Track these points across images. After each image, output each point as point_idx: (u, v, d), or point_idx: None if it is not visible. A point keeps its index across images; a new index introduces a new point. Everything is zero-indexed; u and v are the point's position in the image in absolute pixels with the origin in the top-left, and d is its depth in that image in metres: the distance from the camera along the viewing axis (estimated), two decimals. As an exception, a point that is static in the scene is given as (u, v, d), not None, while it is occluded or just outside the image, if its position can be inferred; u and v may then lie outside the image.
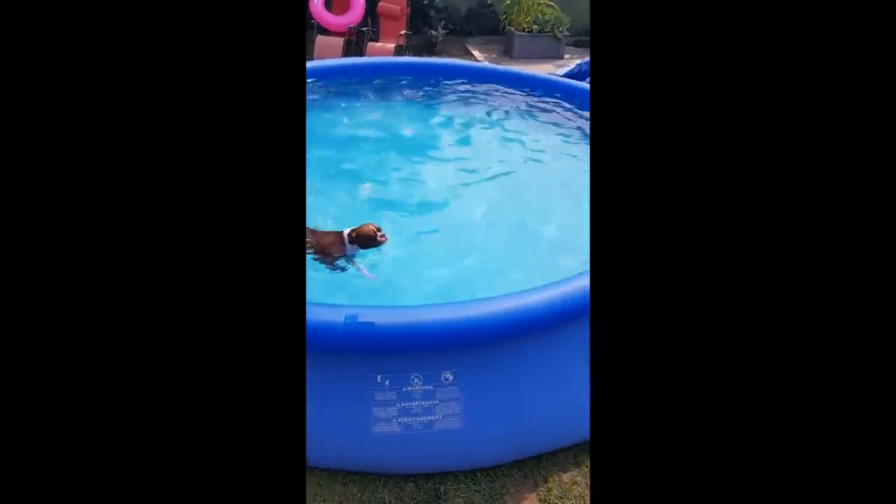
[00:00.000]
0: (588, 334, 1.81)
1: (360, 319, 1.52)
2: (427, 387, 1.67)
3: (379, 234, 2.37)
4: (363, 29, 6.12)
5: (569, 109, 4.11)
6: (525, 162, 3.49)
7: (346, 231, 2.40)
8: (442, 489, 1.74)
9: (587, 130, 3.86)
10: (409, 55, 6.40)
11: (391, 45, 6.00)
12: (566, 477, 1.83)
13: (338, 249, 2.42)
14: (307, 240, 2.38)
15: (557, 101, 4.22)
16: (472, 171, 3.33)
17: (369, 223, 2.43)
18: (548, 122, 4.02)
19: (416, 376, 1.66)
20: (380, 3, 6.28)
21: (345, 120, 3.95)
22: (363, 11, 6.05)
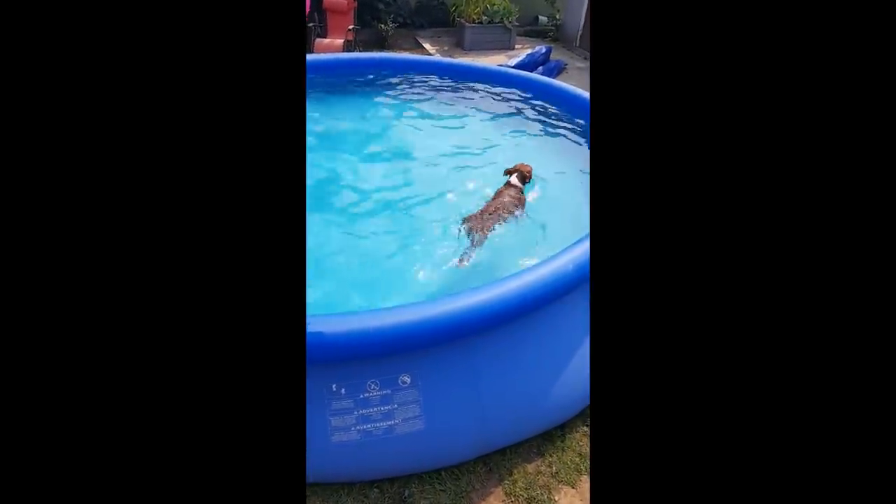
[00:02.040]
0: (543, 325, 1.82)
1: (309, 329, 1.48)
2: (385, 391, 1.65)
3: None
4: (310, 25, 5.97)
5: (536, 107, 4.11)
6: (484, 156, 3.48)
7: (513, 179, 2.77)
8: (407, 492, 1.73)
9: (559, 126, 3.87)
10: (360, 50, 6.29)
11: (339, 41, 5.87)
12: (531, 468, 1.84)
13: (522, 196, 2.77)
14: (498, 206, 2.62)
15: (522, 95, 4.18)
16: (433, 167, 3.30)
17: (520, 164, 2.85)
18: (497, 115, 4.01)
19: (372, 382, 1.63)
20: (326, -2, 6.13)
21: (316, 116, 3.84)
22: (309, 7, 5.90)
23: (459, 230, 2.55)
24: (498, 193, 2.74)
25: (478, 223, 2.54)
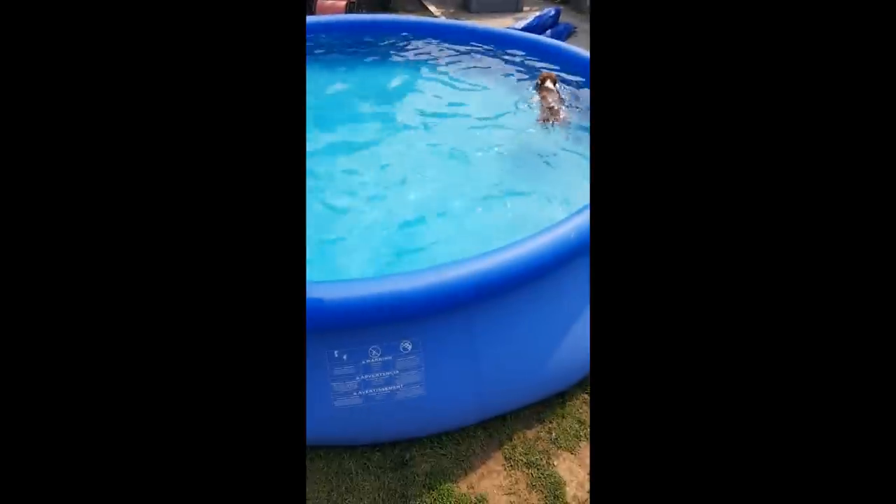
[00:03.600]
0: (545, 293, 1.81)
1: (310, 296, 1.47)
2: (386, 358, 1.65)
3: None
4: (311, -15, 5.77)
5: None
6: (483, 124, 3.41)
7: (549, 83, 3.34)
8: (408, 455, 1.76)
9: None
10: (363, 11, 6.10)
11: (342, 2, 5.69)
12: (530, 434, 1.87)
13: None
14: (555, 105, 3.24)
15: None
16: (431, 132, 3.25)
17: (544, 73, 3.48)
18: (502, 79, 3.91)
19: (374, 348, 1.64)
20: (327, -44, 5.90)
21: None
22: (309, -35, 5.69)
23: (546, 127, 3.20)
24: (543, 97, 3.28)
25: (557, 116, 3.17)
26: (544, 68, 3.90)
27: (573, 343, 1.89)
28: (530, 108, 3.39)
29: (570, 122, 3.19)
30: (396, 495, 1.65)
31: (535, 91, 3.44)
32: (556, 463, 1.79)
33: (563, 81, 3.58)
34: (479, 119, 3.37)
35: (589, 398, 2.00)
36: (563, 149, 3.01)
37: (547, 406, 1.95)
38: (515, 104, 3.49)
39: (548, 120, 3.18)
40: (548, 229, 1.76)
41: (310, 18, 4.50)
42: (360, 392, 1.67)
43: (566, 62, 3.85)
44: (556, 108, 3.20)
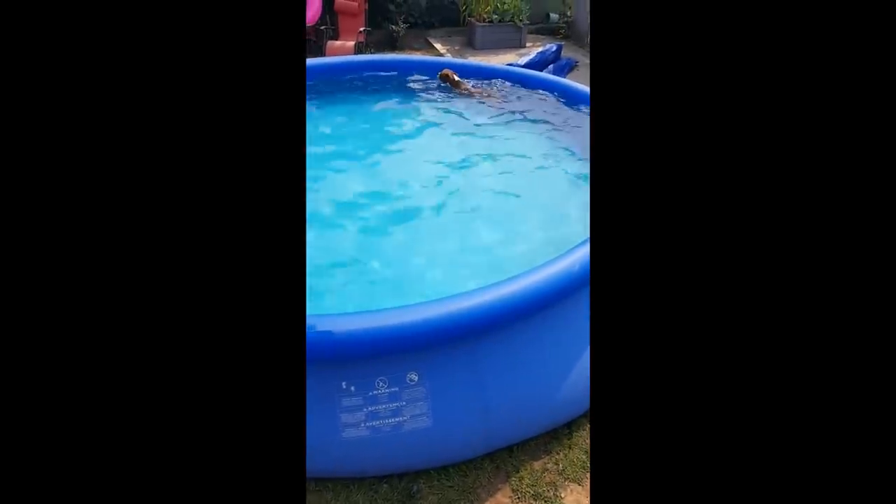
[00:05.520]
0: (549, 324, 1.84)
1: (319, 328, 1.52)
2: (393, 389, 1.68)
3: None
4: (321, 28, 6.04)
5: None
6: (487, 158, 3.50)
7: (456, 77, 4.22)
8: (415, 487, 1.76)
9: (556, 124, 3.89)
10: (371, 52, 6.35)
11: (351, 43, 5.93)
12: (537, 465, 1.87)
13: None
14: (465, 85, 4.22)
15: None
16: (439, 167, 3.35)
17: (443, 71, 4.27)
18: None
19: (381, 380, 1.67)
20: (337, 0, 6.20)
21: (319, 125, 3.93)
22: (320, 9, 5.96)
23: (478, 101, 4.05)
24: (462, 87, 4.19)
25: (482, 93, 4.11)
26: (541, 100, 4.09)
27: (579, 374, 1.91)
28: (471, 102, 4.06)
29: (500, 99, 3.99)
30: (404, 528, 1.65)
31: (451, 91, 4.18)
32: (563, 495, 1.78)
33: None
34: (488, 149, 3.51)
35: (595, 429, 2.00)
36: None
37: (554, 437, 1.95)
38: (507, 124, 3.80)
39: (492, 97, 3.96)
40: (552, 261, 1.81)
41: (320, 60, 4.69)
42: (367, 423, 1.69)
43: (566, 98, 3.97)
44: (482, 91, 3.99)
